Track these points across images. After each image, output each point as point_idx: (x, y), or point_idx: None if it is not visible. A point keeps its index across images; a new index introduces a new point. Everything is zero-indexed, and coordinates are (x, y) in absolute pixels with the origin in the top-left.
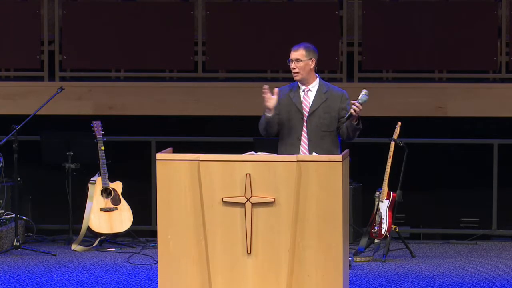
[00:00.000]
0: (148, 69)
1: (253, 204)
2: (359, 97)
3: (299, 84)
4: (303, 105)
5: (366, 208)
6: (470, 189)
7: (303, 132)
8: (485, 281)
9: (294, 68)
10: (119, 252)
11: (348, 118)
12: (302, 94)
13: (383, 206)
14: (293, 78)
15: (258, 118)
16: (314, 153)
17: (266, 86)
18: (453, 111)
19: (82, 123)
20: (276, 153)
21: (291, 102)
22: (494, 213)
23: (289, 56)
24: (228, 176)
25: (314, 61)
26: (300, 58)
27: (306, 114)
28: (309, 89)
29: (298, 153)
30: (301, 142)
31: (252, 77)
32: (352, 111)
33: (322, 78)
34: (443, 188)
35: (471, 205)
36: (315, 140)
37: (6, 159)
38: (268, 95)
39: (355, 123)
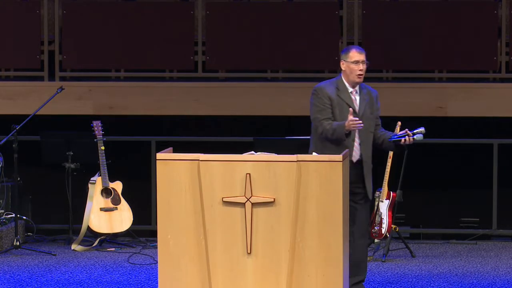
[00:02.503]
0: (148, 69)
1: (253, 204)
2: (417, 133)
3: (347, 85)
4: (355, 107)
5: None
6: (470, 189)
7: (356, 134)
8: (485, 281)
9: (361, 70)
10: (119, 252)
11: (394, 142)
12: (351, 95)
13: (383, 206)
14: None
15: (258, 118)
16: (314, 153)
17: (354, 117)
18: (453, 111)
19: (82, 123)
20: (310, 153)
21: (342, 103)
22: (494, 213)
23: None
24: (228, 176)
25: None
26: (365, 60)
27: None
28: (356, 91)
29: (352, 154)
30: (355, 143)
31: (252, 77)
32: (402, 141)
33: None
34: (443, 188)
35: (471, 205)
36: (365, 141)
37: (6, 159)
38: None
39: (398, 146)
